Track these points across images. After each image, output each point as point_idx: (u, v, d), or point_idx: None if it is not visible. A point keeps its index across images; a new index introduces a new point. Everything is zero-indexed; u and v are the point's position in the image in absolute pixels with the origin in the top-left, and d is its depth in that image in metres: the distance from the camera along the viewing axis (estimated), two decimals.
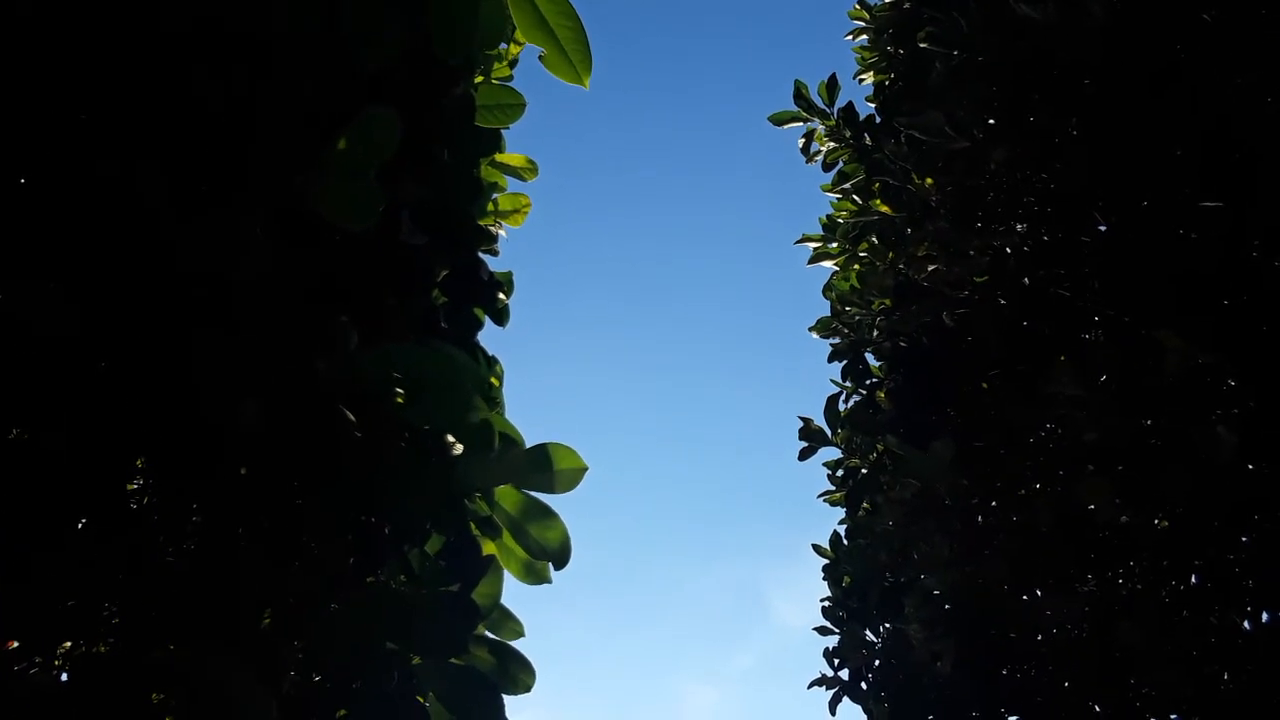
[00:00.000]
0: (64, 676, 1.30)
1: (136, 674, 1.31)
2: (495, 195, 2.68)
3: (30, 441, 1.31)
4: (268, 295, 1.51)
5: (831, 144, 5.31)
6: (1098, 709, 3.59)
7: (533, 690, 1.68)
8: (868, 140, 5.07)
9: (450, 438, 1.70)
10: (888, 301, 4.64)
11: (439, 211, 2.12)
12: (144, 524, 1.49)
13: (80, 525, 1.35)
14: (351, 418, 1.54)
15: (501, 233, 2.64)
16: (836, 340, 5.09)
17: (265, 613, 1.53)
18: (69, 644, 1.32)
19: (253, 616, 1.51)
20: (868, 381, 4.98)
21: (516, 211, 2.70)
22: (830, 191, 5.45)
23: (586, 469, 1.73)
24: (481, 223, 2.47)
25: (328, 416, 1.55)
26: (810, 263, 5.48)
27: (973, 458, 3.88)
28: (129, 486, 1.50)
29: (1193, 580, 3.58)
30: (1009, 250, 3.92)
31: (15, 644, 1.32)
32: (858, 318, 4.96)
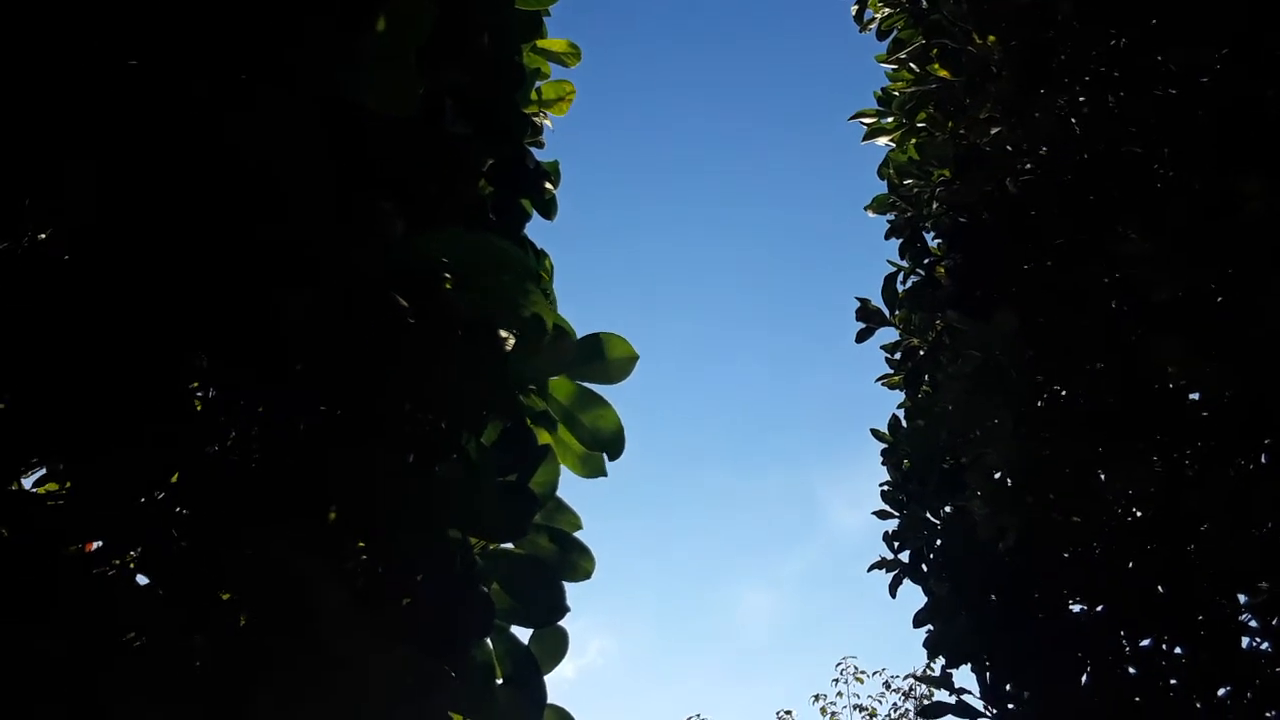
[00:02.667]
0: (139, 578, 1.34)
1: (208, 571, 1.34)
2: (538, 84, 2.60)
3: (90, 336, 1.33)
4: (314, 182, 1.48)
5: (887, 10, 5.07)
6: (1161, 590, 3.57)
7: (592, 577, 1.71)
8: (924, 3, 4.83)
9: (503, 331, 1.69)
10: (947, 172, 4.49)
11: (482, 100, 2.07)
12: (208, 423, 1.51)
13: (146, 424, 1.37)
14: (405, 304, 1.53)
15: (547, 123, 2.57)
16: (893, 217, 4.96)
17: (330, 506, 1.56)
18: (142, 548, 1.35)
19: (319, 509, 1.54)
20: (925, 260, 4.86)
21: (560, 100, 2.62)
22: (885, 62, 5.22)
23: (637, 357, 1.72)
24: (525, 111, 2.41)
25: (381, 303, 1.54)
26: (865, 139, 5.30)
27: (1036, 330, 3.79)
28: (192, 385, 1.52)
29: (1262, 460, 3.50)
30: (1075, 114, 3.74)
31: (95, 546, 1.36)
32: (916, 190, 4.80)
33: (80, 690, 1.19)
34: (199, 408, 1.52)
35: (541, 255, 2.29)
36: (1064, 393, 3.88)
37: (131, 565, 1.33)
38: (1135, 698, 3.55)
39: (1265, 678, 3.48)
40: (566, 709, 1.69)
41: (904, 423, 4.90)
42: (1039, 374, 3.85)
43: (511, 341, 1.67)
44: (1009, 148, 4.00)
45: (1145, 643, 3.63)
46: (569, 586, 1.68)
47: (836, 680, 12.33)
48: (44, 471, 1.37)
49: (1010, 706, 3.75)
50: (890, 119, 5.19)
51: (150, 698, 1.19)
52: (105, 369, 1.33)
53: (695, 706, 24.35)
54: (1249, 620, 3.55)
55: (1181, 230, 3.13)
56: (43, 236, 1.36)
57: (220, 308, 1.42)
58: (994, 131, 3.98)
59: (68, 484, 1.36)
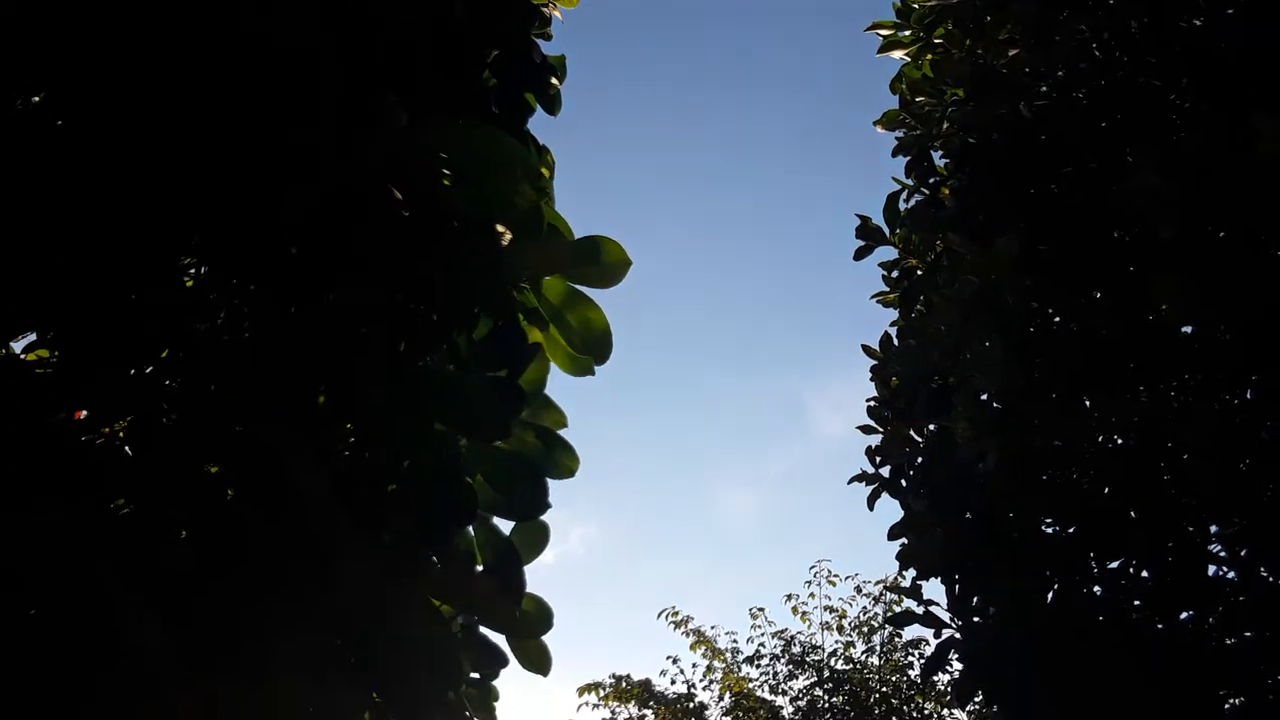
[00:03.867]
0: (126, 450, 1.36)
1: (195, 444, 1.37)
2: None
3: (81, 203, 1.32)
4: (313, 67, 1.46)
5: None
6: (1133, 515, 3.64)
7: (575, 476, 1.73)
8: None
9: (499, 227, 1.68)
10: (961, 91, 4.41)
11: None
12: (199, 299, 1.52)
13: (135, 292, 1.37)
14: (399, 196, 1.52)
15: (556, 14, 2.50)
16: (902, 134, 4.88)
17: (319, 392, 1.57)
18: (130, 418, 1.37)
19: (308, 395, 1.56)
20: (931, 180, 4.80)
21: None
22: None
23: (631, 263, 1.71)
24: (534, 1, 2.34)
25: (376, 196, 1.53)
26: (881, 51, 5.17)
27: (1037, 259, 3.78)
28: (186, 261, 1.52)
29: (1248, 395, 3.53)
30: (1096, 40, 3.66)
31: (83, 414, 1.38)
32: (928, 109, 4.72)
33: (71, 553, 1.22)
34: (189, 284, 1.52)
35: (543, 151, 2.26)
36: (1057, 319, 3.89)
37: (121, 435, 1.35)
38: (1099, 616, 3.65)
39: (1228, 605, 3.58)
40: (544, 598, 1.74)
41: (895, 341, 4.92)
42: (1035, 301, 3.85)
43: (508, 237, 1.66)
44: (1026, 70, 3.92)
45: (1113, 565, 3.72)
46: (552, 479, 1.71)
47: (810, 582, 12.59)
48: (33, 338, 1.37)
49: (976, 619, 3.86)
50: (908, 33, 5.05)
51: (136, 563, 1.22)
52: (96, 238, 1.33)
53: (672, 598, 24.92)
54: (1218, 550, 3.64)
55: (1194, 167, 3.09)
56: (36, 100, 1.34)
57: (218, 190, 1.41)
58: (1012, 53, 3.89)
59: (57, 352, 1.37)
